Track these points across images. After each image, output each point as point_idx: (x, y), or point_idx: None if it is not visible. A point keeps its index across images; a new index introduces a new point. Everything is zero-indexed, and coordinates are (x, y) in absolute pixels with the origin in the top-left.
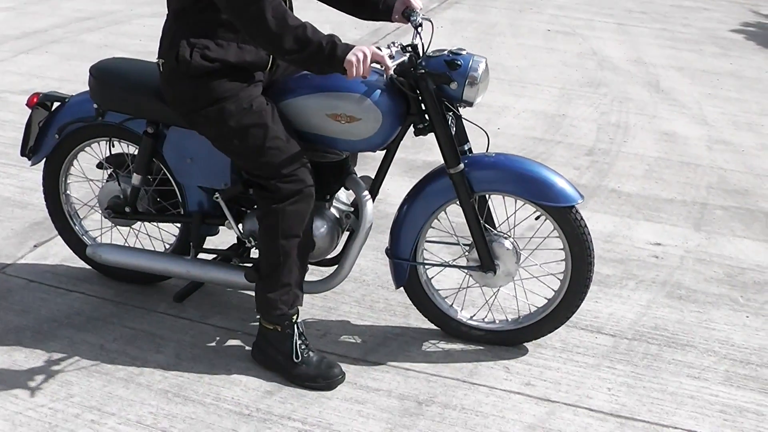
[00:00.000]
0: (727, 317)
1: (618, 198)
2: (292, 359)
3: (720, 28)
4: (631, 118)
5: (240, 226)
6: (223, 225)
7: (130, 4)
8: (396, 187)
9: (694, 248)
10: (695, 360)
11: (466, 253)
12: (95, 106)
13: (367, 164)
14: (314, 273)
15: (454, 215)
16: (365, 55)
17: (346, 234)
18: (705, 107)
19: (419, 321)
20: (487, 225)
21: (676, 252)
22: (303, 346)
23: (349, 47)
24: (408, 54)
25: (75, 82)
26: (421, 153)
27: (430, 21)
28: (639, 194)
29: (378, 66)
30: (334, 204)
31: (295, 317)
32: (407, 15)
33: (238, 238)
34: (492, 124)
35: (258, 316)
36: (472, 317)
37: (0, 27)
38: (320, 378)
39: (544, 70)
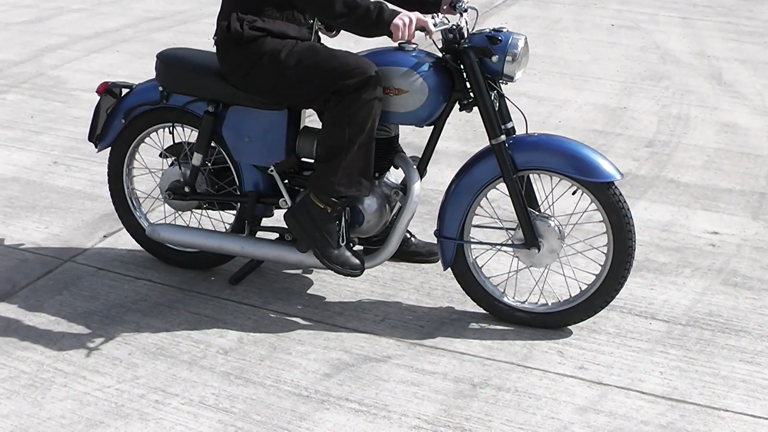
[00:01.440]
0: None
1: (676, 188)
2: (331, 240)
3: None
4: (692, 110)
5: (294, 201)
6: (278, 205)
7: (200, 4)
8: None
9: (751, 236)
10: (748, 345)
11: (511, 235)
12: (160, 89)
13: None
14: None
15: (500, 201)
16: (411, 20)
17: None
18: (767, 99)
19: (475, 307)
20: (530, 208)
21: (733, 240)
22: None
23: (395, 12)
24: (453, 25)
25: (144, 80)
26: (482, 146)
27: (476, 9)
28: (697, 184)
29: (423, 33)
30: (384, 181)
31: (348, 206)
32: (454, 5)
33: None
34: (553, 117)
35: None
36: (520, 300)
37: (72, 27)
38: (347, 265)
39: (607, 64)
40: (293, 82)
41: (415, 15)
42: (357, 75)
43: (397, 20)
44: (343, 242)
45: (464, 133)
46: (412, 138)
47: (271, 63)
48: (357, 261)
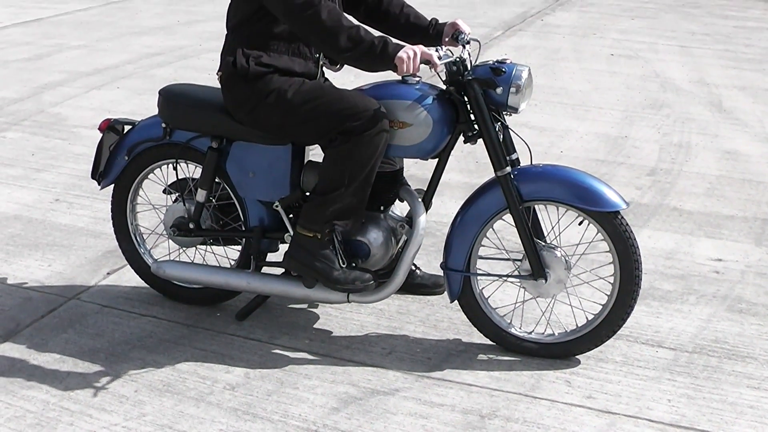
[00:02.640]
0: None
1: (679, 216)
2: (331, 265)
3: None
4: (693, 138)
5: None
6: (283, 239)
7: (200, 39)
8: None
9: (755, 263)
10: (755, 371)
11: (518, 266)
12: (163, 125)
13: (423, 183)
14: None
15: (505, 232)
16: (415, 53)
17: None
18: (767, 125)
19: (482, 338)
20: (537, 239)
21: (737, 267)
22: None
23: (399, 46)
24: (456, 58)
25: (146, 116)
26: (485, 177)
27: (478, 41)
28: (700, 212)
29: (427, 66)
30: (389, 215)
31: (337, 229)
32: (456, 37)
33: None
34: (556, 147)
35: (297, 227)
36: (527, 331)
37: (73, 64)
38: (359, 281)
39: (607, 94)
40: (300, 121)
41: (419, 48)
42: (364, 117)
43: (401, 54)
44: (344, 264)
45: (467, 165)
46: (414, 170)
47: (278, 101)
48: (367, 274)
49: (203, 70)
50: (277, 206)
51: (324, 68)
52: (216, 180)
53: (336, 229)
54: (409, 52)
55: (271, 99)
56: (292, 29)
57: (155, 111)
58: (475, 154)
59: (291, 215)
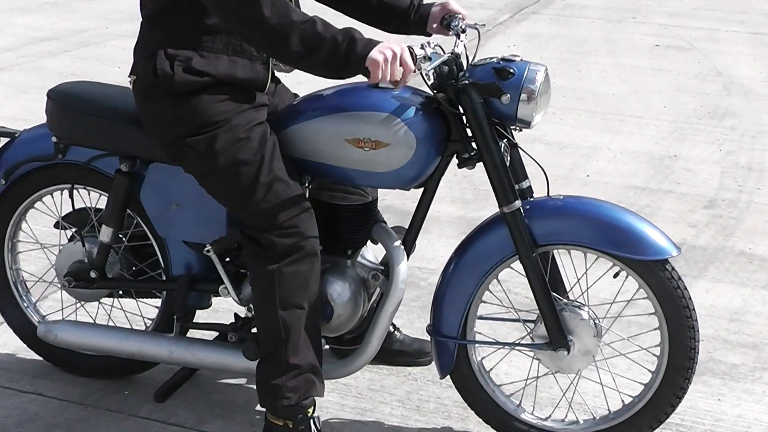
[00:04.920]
0: None
1: (749, 263)
2: None
3: None
4: (767, 157)
5: (238, 290)
6: (218, 293)
7: (106, 21)
8: (449, 252)
9: None
10: None
11: (530, 330)
12: (54, 139)
13: (402, 216)
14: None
15: (514, 283)
16: (394, 54)
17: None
18: None
19: (481, 423)
20: (556, 295)
21: None
22: None
23: (372, 43)
24: (448, 55)
25: (32, 122)
26: (486, 209)
27: (478, 29)
28: None
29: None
30: (358, 261)
31: (310, 410)
32: (448, 23)
33: (236, 315)
34: (580, 170)
35: (263, 409)
36: (541, 416)
37: None
38: None
39: (650, 98)
40: (218, 191)
41: (400, 46)
42: (290, 235)
43: (374, 54)
44: None
45: (461, 193)
46: (393, 200)
47: (207, 152)
48: None
49: (111, 62)
50: (208, 251)
51: (275, 69)
52: (127, 213)
53: (311, 413)
54: (385, 51)
55: (200, 143)
56: (227, 26)
57: (44, 117)
58: (473, 178)
59: (228, 259)
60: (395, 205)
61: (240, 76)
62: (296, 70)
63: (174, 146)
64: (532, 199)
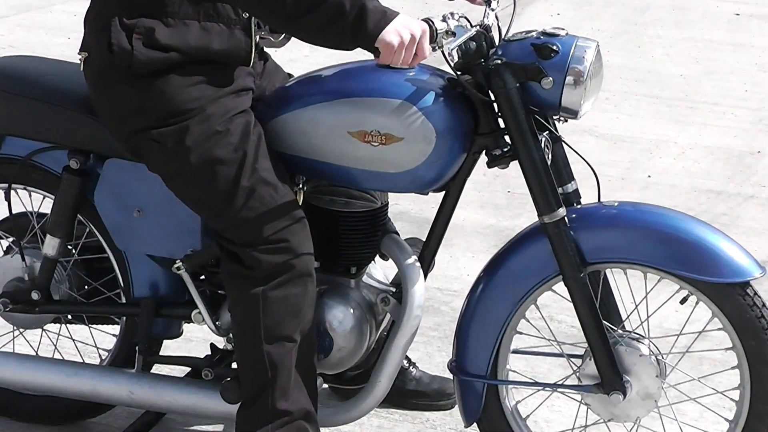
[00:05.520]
0: None
1: None
2: None
3: None
4: None
5: (215, 316)
6: (190, 319)
7: None
8: (477, 269)
9: None
10: None
11: (577, 368)
12: None
13: (419, 225)
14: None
15: (556, 309)
16: (412, 38)
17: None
18: None
19: None
20: (609, 324)
21: None
22: None
23: (387, 17)
24: (476, 28)
25: None
26: (522, 217)
27: None
28: None
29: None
30: (364, 281)
31: None
32: None
33: (212, 346)
34: (639, 169)
35: None
36: None
37: None
38: None
39: (728, 81)
40: (189, 195)
41: (420, 26)
42: (278, 252)
43: (389, 36)
44: None
45: (492, 197)
46: (407, 205)
47: (175, 147)
48: None
49: (58, 32)
50: (179, 268)
51: (262, 44)
52: (78, 220)
53: None
54: (402, 33)
55: (167, 137)
56: None
57: None
58: (506, 179)
59: (203, 279)
60: (410, 211)
61: (216, 47)
62: (290, 42)
63: (135, 140)
64: (579, 206)
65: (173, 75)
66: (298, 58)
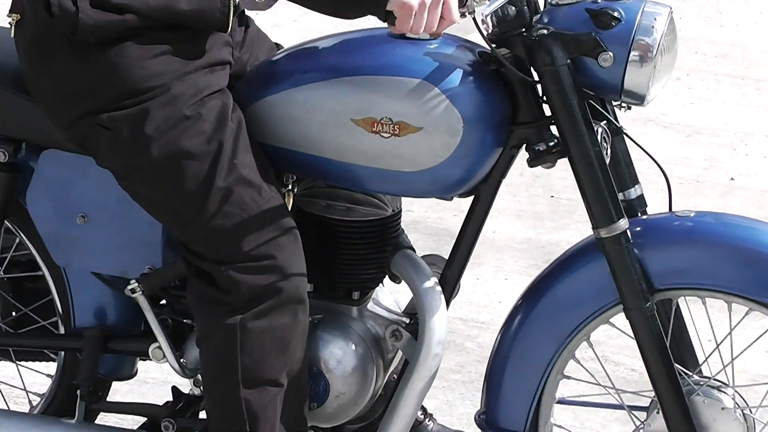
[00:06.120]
0: None
1: None
2: None
3: None
4: None
5: (179, 352)
6: (147, 355)
7: None
8: (513, 296)
9: None
10: None
11: (640, 424)
12: None
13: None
14: None
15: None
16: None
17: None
18: None
19: None
20: (682, 368)
21: None
22: None
23: None
24: None
25: None
26: (569, 228)
27: None
28: None
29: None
30: (369, 309)
31: None
32: None
33: (174, 390)
34: (720, 168)
35: None
36: None
37: None
38: None
39: None
40: (149, 198)
41: None
42: (261, 271)
43: None
44: None
45: (532, 203)
46: (424, 212)
47: (132, 135)
48: None
49: None
50: (134, 290)
51: (243, 5)
52: (4, 227)
53: None
54: None
55: (121, 123)
56: None
57: None
58: (549, 180)
59: (165, 304)
60: (427, 220)
61: (183, 8)
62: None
63: (80, 126)
64: (645, 217)
65: (129, 44)
66: (284, 23)
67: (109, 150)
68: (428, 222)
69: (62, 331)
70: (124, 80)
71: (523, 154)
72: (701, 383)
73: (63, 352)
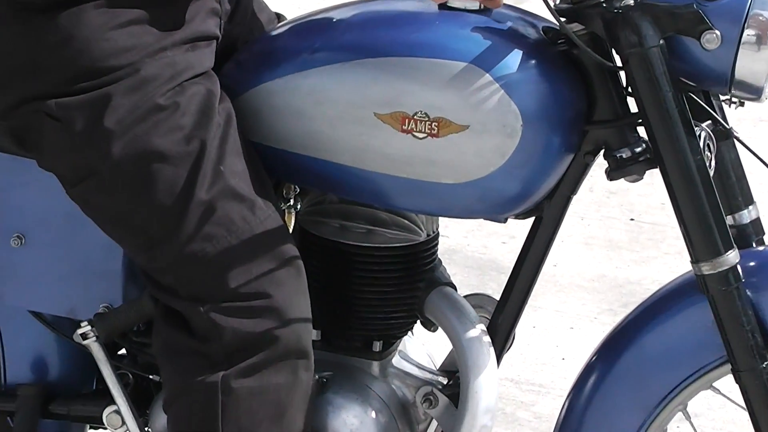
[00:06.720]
0: None
1: None
2: None
3: None
4: None
5: (143, 418)
6: (101, 421)
7: None
8: (585, 349)
9: None
10: None
11: None
12: None
13: (482, 273)
14: None
15: (716, 422)
16: None
17: None
18: None
19: None
20: None
21: None
22: None
23: None
24: None
25: None
26: (656, 262)
27: None
28: None
29: None
30: (395, 365)
31: None
32: None
33: None
34: None
35: None
36: None
37: None
38: None
39: None
40: (108, 216)
41: None
42: (252, 312)
43: None
44: None
45: (606, 227)
46: (462, 239)
47: (87, 130)
48: None
49: None
50: (85, 336)
51: None
52: None
53: None
54: None
55: (71, 114)
56: None
57: None
58: (629, 197)
59: (125, 354)
60: (467, 248)
61: None
62: None
63: (18, 115)
64: (762, 248)
65: (88, 7)
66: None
67: (56, 147)
68: (468, 251)
69: None
70: (79, 56)
71: (599, 163)
72: None
73: None
